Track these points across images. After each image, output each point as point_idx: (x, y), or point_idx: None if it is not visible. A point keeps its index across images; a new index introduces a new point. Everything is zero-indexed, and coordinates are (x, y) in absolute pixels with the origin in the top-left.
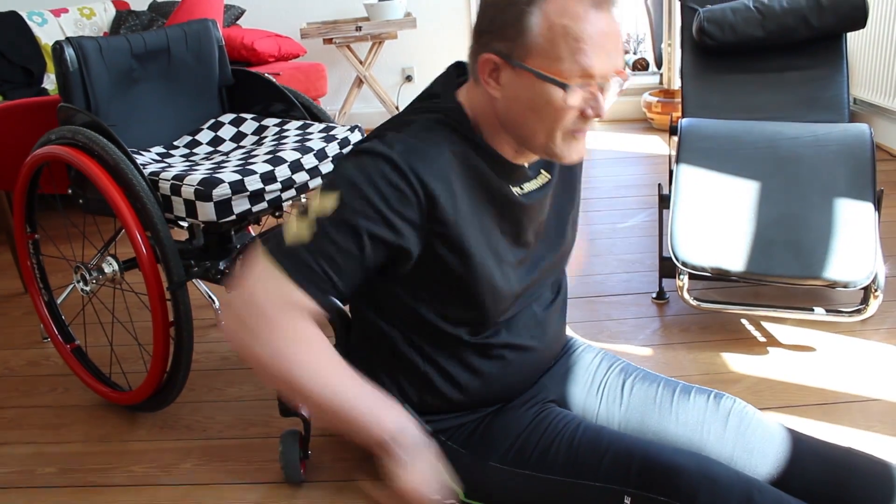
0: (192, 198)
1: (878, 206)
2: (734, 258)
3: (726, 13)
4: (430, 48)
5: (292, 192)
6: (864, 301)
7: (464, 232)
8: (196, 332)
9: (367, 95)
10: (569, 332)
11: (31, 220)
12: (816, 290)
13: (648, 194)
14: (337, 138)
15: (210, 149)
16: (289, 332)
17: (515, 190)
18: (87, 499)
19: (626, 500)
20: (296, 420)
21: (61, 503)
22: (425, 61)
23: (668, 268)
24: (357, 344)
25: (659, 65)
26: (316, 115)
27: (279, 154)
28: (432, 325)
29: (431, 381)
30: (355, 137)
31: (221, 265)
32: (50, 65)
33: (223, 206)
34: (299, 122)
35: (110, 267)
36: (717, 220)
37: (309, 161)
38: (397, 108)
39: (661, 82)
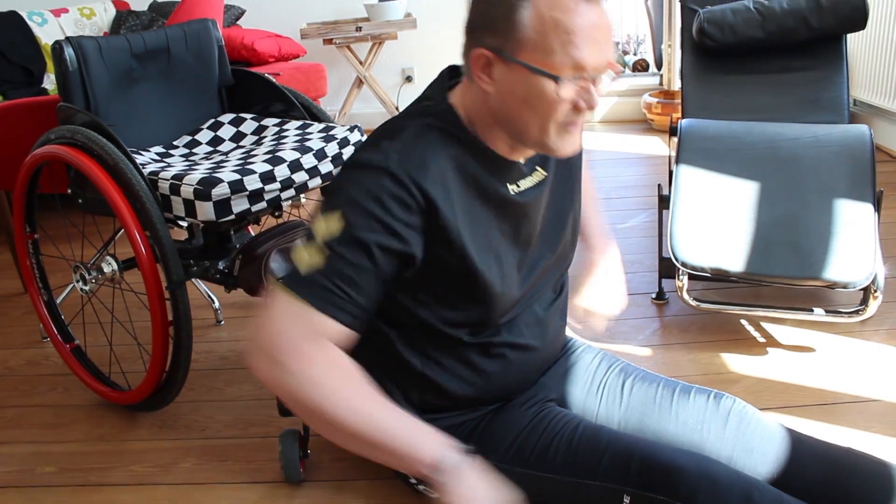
0: (192, 197)
1: (877, 207)
2: (734, 259)
3: (726, 14)
4: (430, 49)
5: (291, 192)
6: (864, 302)
7: (464, 235)
8: (195, 331)
9: (367, 96)
10: (568, 332)
11: (31, 219)
12: (816, 291)
13: (648, 195)
14: (336, 138)
15: (209, 148)
16: (320, 361)
17: (512, 188)
18: (87, 498)
19: (625, 500)
20: (295, 419)
21: (61, 502)
22: (425, 62)
23: (667, 268)
24: (356, 343)
25: (659, 66)
26: (315, 115)
27: (278, 154)
28: (432, 326)
29: (431, 380)
30: (355, 137)
31: (221, 265)
32: (50, 65)
33: (222, 206)
34: (299, 122)
35: (109, 266)
36: (717, 220)
37: (308, 161)
38: (397, 108)
39: (661, 83)
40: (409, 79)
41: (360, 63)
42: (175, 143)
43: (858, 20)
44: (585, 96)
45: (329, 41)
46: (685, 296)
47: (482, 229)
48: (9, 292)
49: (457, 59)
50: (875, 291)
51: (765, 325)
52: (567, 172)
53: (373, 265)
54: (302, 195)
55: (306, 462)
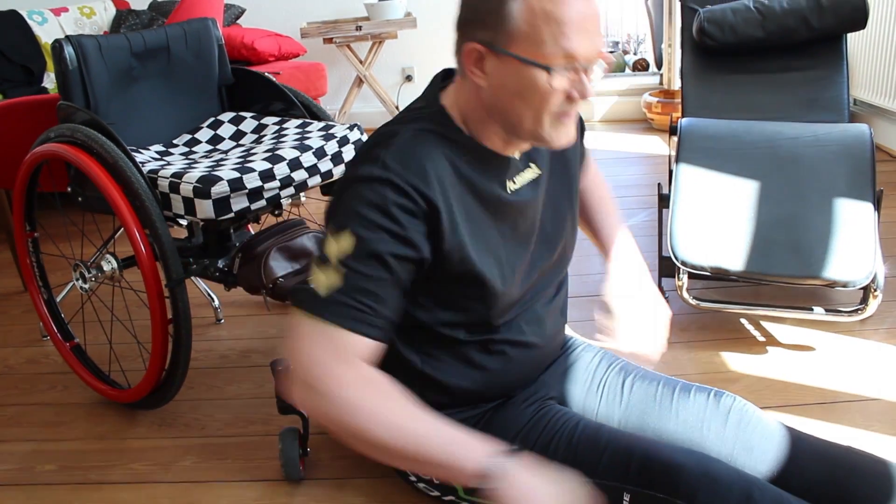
0: (191, 195)
1: (877, 206)
2: (734, 257)
3: (726, 14)
4: (430, 48)
5: (291, 190)
6: (864, 301)
7: (464, 237)
8: (195, 330)
9: (368, 95)
10: (569, 331)
11: (31, 218)
12: (816, 290)
13: (648, 194)
14: (336, 136)
15: (209, 147)
16: (354, 382)
17: (509, 185)
18: (87, 496)
19: (625, 498)
20: (295, 418)
21: (61, 500)
22: (425, 61)
23: (667, 267)
24: None
25: (659, 65)
26: (315, 114)
27: (278, 152)
28: (431, 328)
29: (431, 378)
30: (354, 136)
31: (220, 263)
32: (50, 64)
33: (222, 204)
34: (298, 121)
35: (109, 265)
36: (717, 219)
37: (308, 159)
38: (397, 107)
39: (661, 83)
40: (409, 78)
41: (360, 62)
42: (175, 141)
43: (859, 20)
44: (578, 86)
45: (329, 40)
46: (685, 295)
47: (481, 231)
48: (9, 291)
49: None
50: (875, 290)
51: (765, 323)
52: (564, 172)
53: (389, 275)
54: (301, 193)
55: (306, 460)
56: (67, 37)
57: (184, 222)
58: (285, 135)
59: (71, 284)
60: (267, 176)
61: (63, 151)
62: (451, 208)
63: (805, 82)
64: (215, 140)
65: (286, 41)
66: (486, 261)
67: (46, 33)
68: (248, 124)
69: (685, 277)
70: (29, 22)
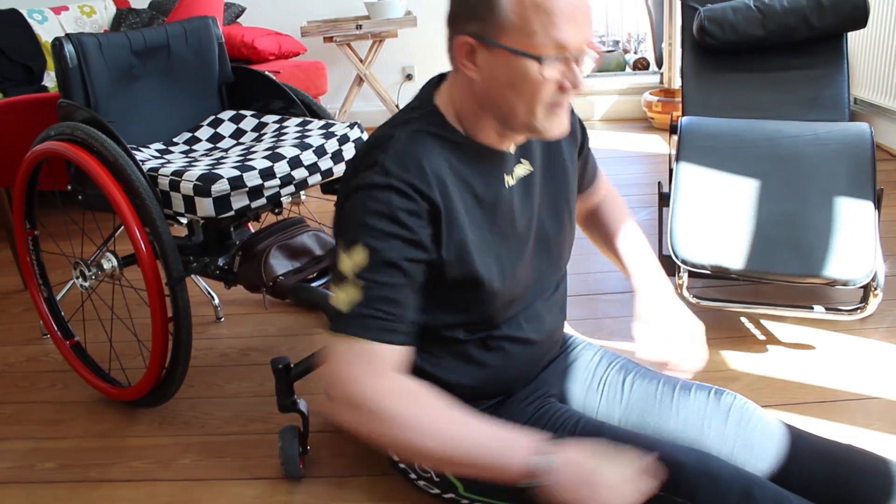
0: (191, 193)
1: (878, 205)
2: (734, 256)
3: (727, 12)
4: (430, 47)
5: (291, 189)
6: (864, 299)
7: (465, 237)
8: (195, 328)
9: (368, 94)
10: (569, 329)
11: (31, 216)
12: (816, 289)
13: (649, 193)
14: (336, 135)
15: (209, 145)
16: (391, 394)
17: (507, 180)
18: (87, 494)
19: None
20: (295, 416)
21: (61, 498)
22: (425, 60)
23: (667, 266)
24: None
25: (659, 64)
26: (315, 113)
27: (278, 150)
28: (431, 329)
29: (431, 375)
30: (354, 134)
31: (220, 261)
32: (50, 62)
33: (222, 202)
34: (299, 119)
35: (109, 263)
36: (717, 217)
37: (308, 157)
38: (397, 106)
39: (661, 82)
40: (409, 77)
41: (361, 61)
42: (175, 139)
43: (859, 18)
44: (570, 76)
45: (329, 39)
46: (685, 293)
47: (481, 230)
48: (9, 289)
49: None
50: (875, 289)
51: (765, 322)
52: (561, 171)
53: (406, 279)
54: (302, 192)
55: (306, 458)
56: (68, 35)
57: (184, 220)
58: (285, 133)
59: (71, 283)
60: (267, 174)
61: (63, 149)
62: (451, 208)
63: (805, 81)
64: (215, 138)
65: (286, 40)
66: (485, 260)
67: (47, 32)
68: (249, 122)
69: (685, 276)
70: (29, 20)
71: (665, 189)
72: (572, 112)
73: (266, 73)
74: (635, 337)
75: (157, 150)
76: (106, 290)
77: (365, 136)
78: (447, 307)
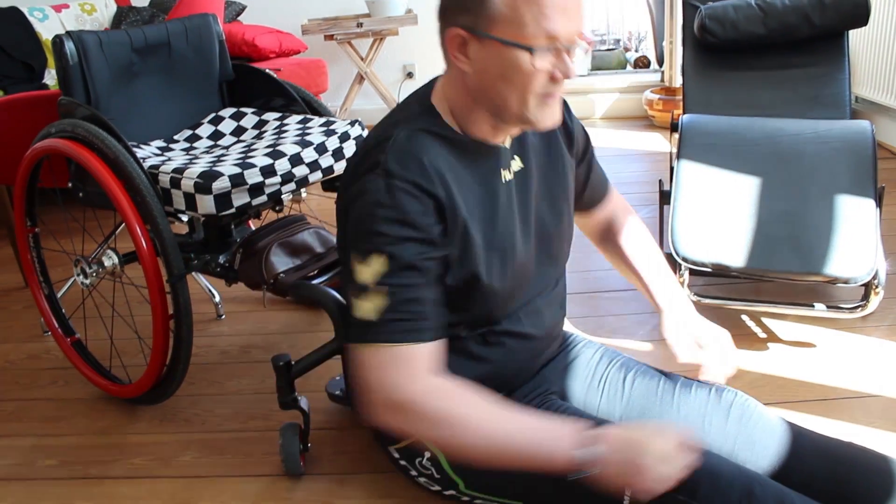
0: (192, 191)
1: (879, 203)
2: (735, 254)
3: (728, 10)
4: (431, 45)
5: (292, 186)
6: (865, 297)
7: (468, 231)
8: (196, 325)
9: (369, 92)
10: (570, 327)
11: (32, 213)
12: (817, 287)
13: (650, 191)
14: (337, 132)
15: (210, 143)
16: (435, 393)
17: (504, 175)
18: (87, 491)
19: (626, 493)
20: (295, 413)
21: (61, 495)
22: (426, 58)
23: (668, 264)
24: None
25: (660, 62)
26: (316, 110)
27: (279, 148)
28: None
29: None
30: (355, 132)
31: (221, 259)
32: (51, 60)
33: (223, 200)
34: (299, 117)
35: (110, 260)
36: (718, 215)
37: (309, 155)
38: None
39: (662, 80)
40: (410, 75)
41: (362, 59)
42: (175, 137)
43: (860, 16)
44: (561, 66)
45: (330, 37)
46: (686, 291)
47: (480, 225)
48: (10, 286)
49: None
50: (876, 287)
51: (766, 320)
52: (559, 166)
53: (426, 277)
54: (303, 189)
55: (306, 455)
56: (68, 32)
57: (185, 218)
58: (286, 130)
59: (72, 280)
60: (268, 171)
61: (64, 147)
62: (454, 202)
63: (806, 79)
64: (216, 136)
65: (287, 38)
66: (485, 255)
67: (47, 30)
68: (249, 120)
69: (686, 274)
70: (30, 18)
71: (666, 187)
72: (575, 118)
73: (267, 70)
74: (671, 344)
75: (157, 148)
76: (107, 288)
77: (366, 134)
78: (449, 306)
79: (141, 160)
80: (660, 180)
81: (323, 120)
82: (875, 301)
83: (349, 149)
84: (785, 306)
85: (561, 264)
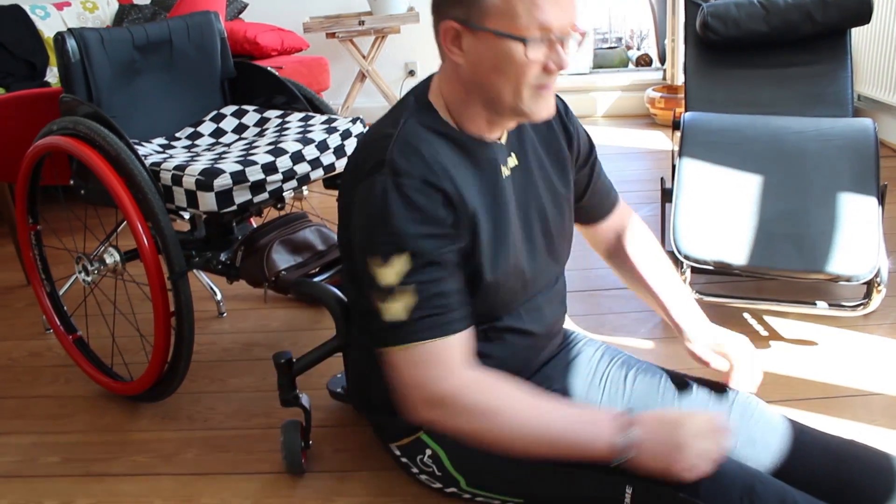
0: (194, 188)
1: (881, 201)
2: (737, 252)
3: (730, 8)
4: (433, 43)
5: (294, 183)
6: (867, 295)
7: (475, 222)
8: (197, 323)
9: (370, 90)
10: (571, 325)
11: (33, 211)
12: (819, 285)
13: (651, 189)
14: (338, 130)
15: (212, 140)
16: (473, 387)
17: (503, 171)
18: (89, 488)
19: (627, 490)
20: (297, 410)
21: (63, 492)
22: (428, 56)
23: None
24: (358, 333)
25: (662, 60)
26: (318, 108)
27: (281, 145)
28: None
29: None
30: (357, 129)
31: (223, 256)
32: (52, 58)
33: (224, 197)
34: (301, 114)
35: (112, 257)
36: (720, 213)
37: (310, 152)
38: None
39: (664, 78)
40: (411, 73)
41: (363, 57)
42: (177, 134)
43: (863, 14)
44: (554, 57)
45: (332, 35)
46: (688, 289)
47: (485, 222)
48: (12, 284)
49: None
50: (879, 285)
51: (768, 318)
52: (559, 164)
53: (448, 269)
54: (304, 187)
55: (308, 453)
56: (70, 29)
57: (186, 215)
58: (288, 128)
59: (74, 277)
60: (269, 169)
61: (66, 144)
62: (461, 195)
63: (809, 77)
64: (218, 133)
65: (289, 36)
66: (487, 250)
67: (49, 28)
68: (251, 117)
69: (688, 271)
70: (31, 16)
71: (668, 185)
72: (578, 122)
73: (268, 68)
74: (708, 360)
75: (159, 145)
76: (108, 285)
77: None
78: None
79: (142, 157)
80: (662, 178)
81: (325, 118)
82: (877, 299)
83: (351, 146)
84: (787, 304)
85: (562, 262)
